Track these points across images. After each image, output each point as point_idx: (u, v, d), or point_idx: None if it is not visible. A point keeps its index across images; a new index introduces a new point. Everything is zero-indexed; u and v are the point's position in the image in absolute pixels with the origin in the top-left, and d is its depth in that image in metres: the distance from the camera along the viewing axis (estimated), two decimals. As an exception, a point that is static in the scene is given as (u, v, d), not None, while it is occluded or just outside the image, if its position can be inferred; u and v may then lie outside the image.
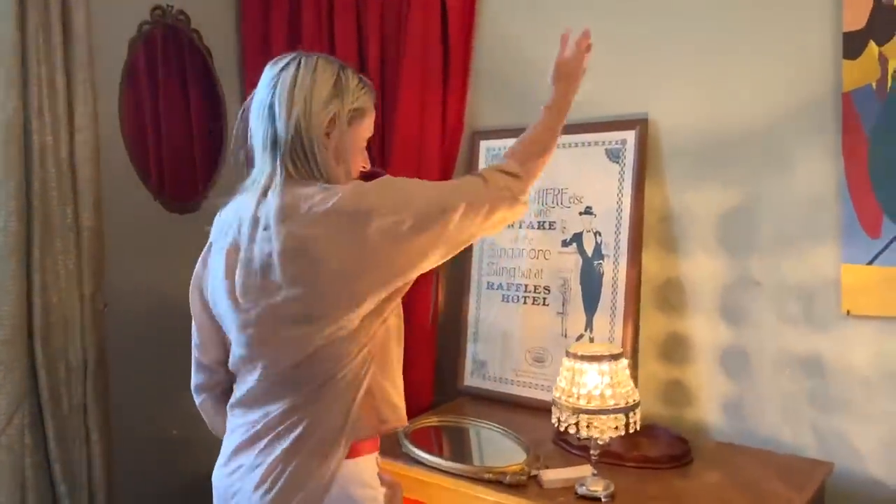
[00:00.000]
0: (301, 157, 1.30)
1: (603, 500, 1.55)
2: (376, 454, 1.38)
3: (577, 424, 1.52)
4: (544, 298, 2.12)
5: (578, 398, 1.52)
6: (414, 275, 1.31)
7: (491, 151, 2.26)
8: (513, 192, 1.40)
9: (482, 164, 2.27)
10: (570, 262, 2.08)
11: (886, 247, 1.66)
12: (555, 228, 2.13)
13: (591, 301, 2.04)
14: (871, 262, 1.68)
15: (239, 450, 1.35)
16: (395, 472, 1.74)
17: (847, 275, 1.72)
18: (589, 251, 2.05)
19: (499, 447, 1.84)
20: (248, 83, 2.70)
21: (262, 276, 1.25)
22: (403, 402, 1.41)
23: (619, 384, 1.53)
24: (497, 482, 1.64)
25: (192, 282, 1.45)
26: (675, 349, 1.98)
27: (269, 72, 1.35)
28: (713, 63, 1.89)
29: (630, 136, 1.99)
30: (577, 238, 2.08)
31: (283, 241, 1.23)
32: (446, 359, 2.33)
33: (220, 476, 1.38)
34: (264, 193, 1.29)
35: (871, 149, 1.67)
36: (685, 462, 1.73)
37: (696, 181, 1.93)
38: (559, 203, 2.12)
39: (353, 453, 1.30)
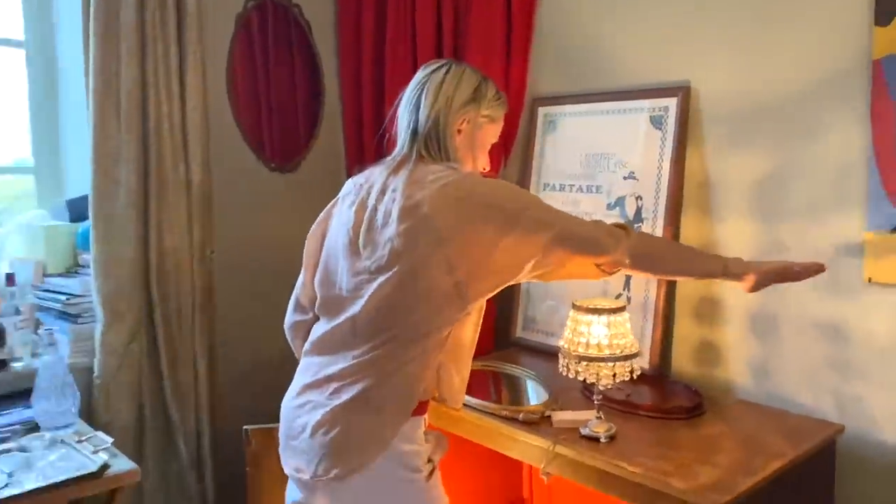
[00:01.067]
0: (434, 144, 1.52)
1: (602, 440, 1.69)
2: (425, 416, 1.56)
3: (578, 370, 1.66)
4: (589, 258, 2.24)
5: (579, 346, 1.67)
6: (504, 276, 1.47)
7: (548, 117, 2.38)
8: (614, 247, 1.47)
9: (539, 128, 2.40)
10: (614, 225, 2.19)
11: (911, 215, 1.67)
12: (601, 192, 2.23)
13: (630, 262, 2.14)
14: (894, 231, 1.69)
15: (310, 387, 1.52)
16: (432, 407, 1.97)
17: (870, 242, 1.73)
18: (630, 214, 2.15)
19: (526, 391, 2.01)
20: (342, 54, 2.95)
21: (381, 230, 1.46)
22: (464, 389, 1.59)
23: (620, 335, 1.66)
24: (513, 419, 1.82)
25: (313, 228, 1.68)
26: (707, 311, 2.06)
27: (421, 72, 1.60)
28: (750, 32, 1.92)
29: (672, 104, 2.06)
30: (621, 202, 2.18)
31: (405, 200, 1.44)
32: (503, 315, 2.51)
33: (289, 407, 1.56)
34: (396, 170, 1.52)
35: (899, 116, 1.67)
36: (696, 414, 1.83)
37: (732, 148, 1.98)
38: (606, 168, 2.22)
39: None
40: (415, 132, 1.54)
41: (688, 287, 2.09)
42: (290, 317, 1.72)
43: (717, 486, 1.47)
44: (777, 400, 1.92)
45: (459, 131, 1.55)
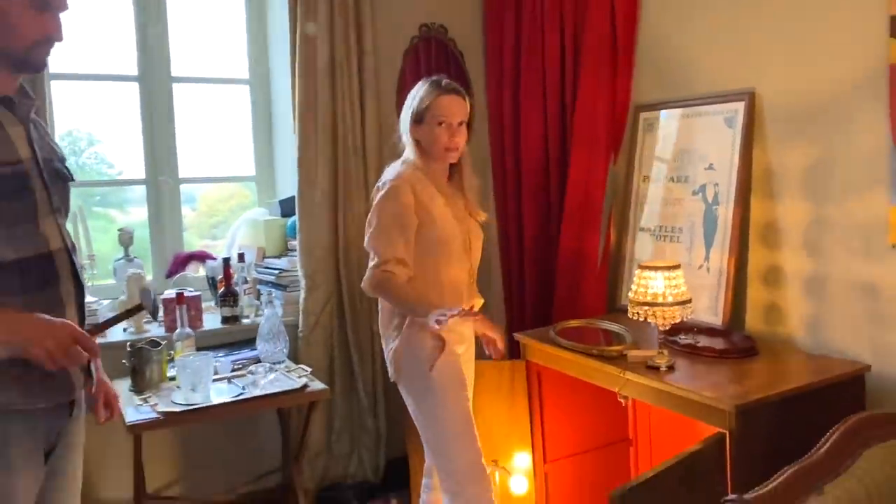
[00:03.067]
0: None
1: (662, 369, 2.19)
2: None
3: (639, 313, 2.18)
4: (678, 237, 2.72)
5: (643, 295, 2.18)
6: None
7: (646, 121, 2.88)
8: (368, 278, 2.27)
9: (640, 133, 2.90)
10: (697, 208, 2.65)
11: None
12: (687, 181, 2.70)
13: (709, 238, 2.60)
14: (911, 204, 2.05)
15: None
16: (543, 350, 2.56)
17: (894, 214, 2.10)
18: (710, 199, 2.60)
19: (614, 339, 2.53)
20: (488, 76, 3.59)
21: None
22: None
23: (675, 287, 2.16)
24: (597, 356, 2.36)
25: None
26: (772, 277, 2.46)
27: None
28: (798, 47, 2.33)
29: (741, 107, 2.50)
30: (702, 189, 2.64)
31: None
32: (612, 285, 3.02)
33: None
34: None
35: (909, 111, 2.04)
36: (747, 356, 2.26)
37: (787, 141, 2.39)
38: (690, 161, 2.69)
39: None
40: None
41: (758, 259, 2.50)
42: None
43: (736, 395, 1.94)
44: (825, 349, 2.30)
45: (413, 130, 2.35)
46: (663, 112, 2.82)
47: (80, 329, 1.59)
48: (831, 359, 2.24)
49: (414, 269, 2.26)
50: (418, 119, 2.32)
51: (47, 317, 1.53)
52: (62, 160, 1.78)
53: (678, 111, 2.76)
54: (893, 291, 2.13)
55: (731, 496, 1.31)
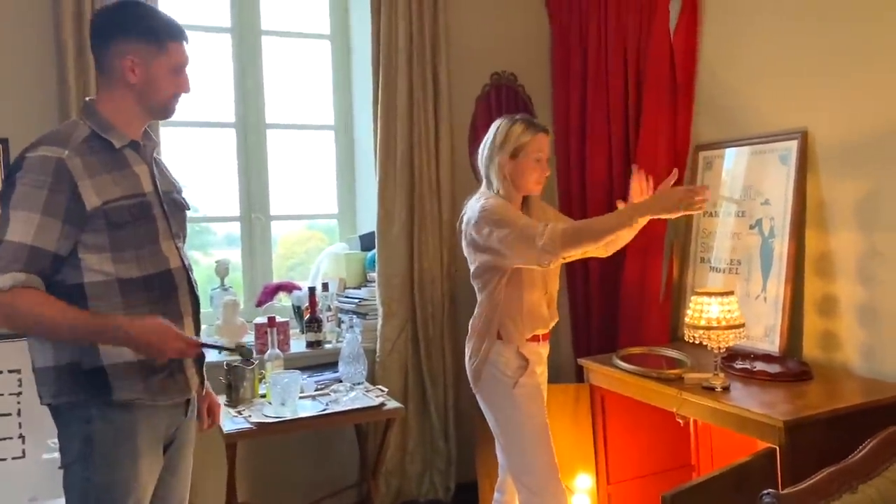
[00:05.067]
0: (486, 179, 2.52)
1: (717, 390, 2.32)
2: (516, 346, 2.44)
3: (695, 336, 2.32)
4: (737, 268, 2.85)
5: (699, 320, 2.33)
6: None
7: (706, 159, 3.04)
8: (550, 246, 2.25)
9: (700, 171, 3.06)
10: (754, 241, 2.79)
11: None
12: (745, 216, 2.84)
13: (766, 269, 2.72)
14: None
15: None
16: (606, 373, 2.72)
17: (939, 245, 2.20)
18: (766, 232, 2.74)
19: (674, 364, 2.66)
20: (555, 120, 3.81)
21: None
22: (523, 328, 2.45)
23: (728, 312, 2.30)
24: (656, 378, 2.51)
25: None
26: (827, 306, 2.57)
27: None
28: (848, 85, 2.48)
29: (794, 146, 2.64)
30: (759, 223, 2.77)
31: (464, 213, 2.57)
32: (675, 316, 3.15)
33: None
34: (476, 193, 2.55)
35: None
36: (802, 380, 2.37)
37: (839, 176, 2.52)
38: (748, 196, 2.83)
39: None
40: (482, 173, 2.53)
41: (814, 288, 2.61)
42: None
43: (786, 413, 2.06)
44: (879, 374, 2.39)
45: (504, 166, 2.44)
46: (722, 151, 2.98)
47: (183, 334, 1.84)
48: (883, 383, 2.33)
49: (499, 294, 2.44)
50: (514, 154, 2.46)
51: (152, 321, 1.78)
52: (180, 191, 2.08)
53: (734, 150, 2.92)
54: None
55: (769, 491, 1.45)
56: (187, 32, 1.94)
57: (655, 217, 2.28)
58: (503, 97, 3.86)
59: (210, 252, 3.91)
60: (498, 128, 2.51)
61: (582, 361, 2.92)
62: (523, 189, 2.50)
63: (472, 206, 2.48)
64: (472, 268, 2.52)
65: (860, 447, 1.67)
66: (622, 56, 3.34)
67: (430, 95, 3.56)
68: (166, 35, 1.87)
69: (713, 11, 3.02)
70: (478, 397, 2.55)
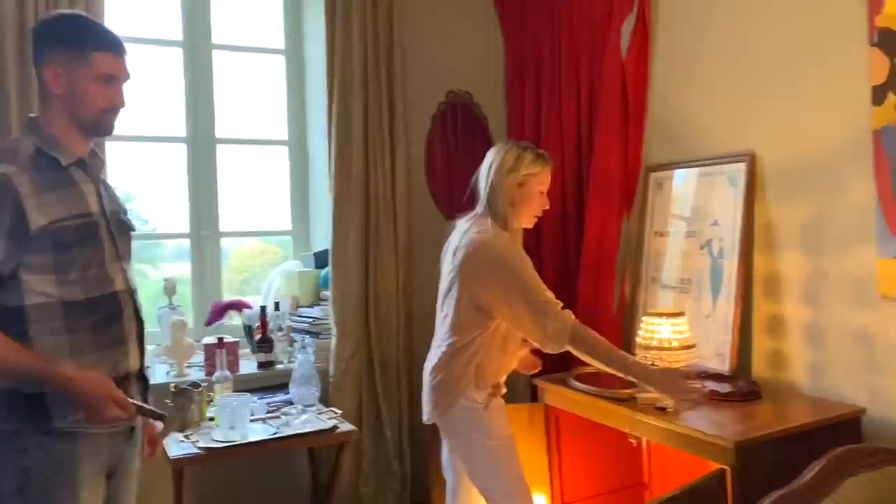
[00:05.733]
0: (490, 204, 2.42)
1: (669, 410, 2.34)
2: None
3: (647, 356, 2.34)
4: (687, 288, 2.89)
5: (649, 340, 2.35)
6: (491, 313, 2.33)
7: (656, 180, 3.08)
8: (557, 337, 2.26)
9: (651, 192, 3.10)
10: (704, 261, 2.83)
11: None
12: (695, 236, 2.88)
13: (716, 289, 2.76)
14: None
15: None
16: (560, 393, 2.72)
17: (881, 267, 2.26)
18: (716, 253, 2.78)
19: (628, 384, 2.67)
20: (510, 137, 3.83)
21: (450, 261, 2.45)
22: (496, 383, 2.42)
23: (679, 332, 2.32)
24: (609, 398, 2.51)
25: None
26: (776, 326, 2.62)
27: (490, 154, 2.50)
28: (791, 115, 2.54)
29: (742, 168, 2.69)
30: (709, 243, 2.81)
31: (458, 243, 2.45)
32: (628, 332, 3.18)
33: None
34: (469, 220, 2.45)
35: (893, 171, 2.22)
36: (751, 399, 2.40)
37: (785, 199, 2.58)
38: (698, 218, 2.87)
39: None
40: (483, 195, 2.44)
41: (762, 309, 2.66)
42: None
43: (736, 433, 2.08)
44: (825, 393, 2.44)
45: (510, 192, 2.37)
46: (672, 172, 3.02)
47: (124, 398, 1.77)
48: (830, 402, 2.37)
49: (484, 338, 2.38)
50: (521, 182, 2.41)
51: (95, 380, 1.72)
52: (125, 213, 2.02)
53: (685, 171, 2.96)
54: (885, 340, 2.28)
55: (719, 515, 1.46)
56: (128, 45, 1.90)
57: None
58: (459, 116, 3.87)
59: (160, 266, 3.83)
60: (507, 152, 2.43)
61: (536, 381, 2.91)
62: (523, 219, 2.46)
63: (472, 238, 2.37)
64: (452, 300, 2.39)
65: (807, 468, 1.69)
66: (575, 77, 3.38)
67: (386, 112, 3.54)
68: (89, 43, 1.81)
69: (664, 35, 3.07)
70: (440, 426, 2.47)
